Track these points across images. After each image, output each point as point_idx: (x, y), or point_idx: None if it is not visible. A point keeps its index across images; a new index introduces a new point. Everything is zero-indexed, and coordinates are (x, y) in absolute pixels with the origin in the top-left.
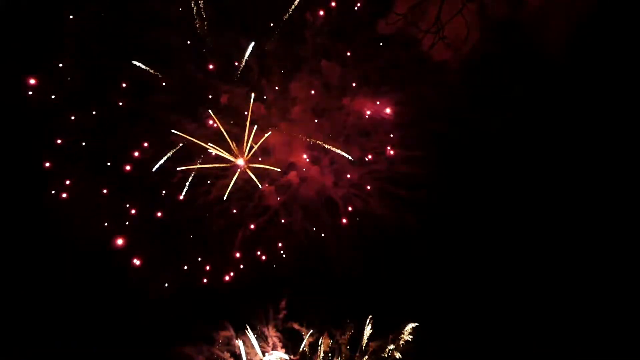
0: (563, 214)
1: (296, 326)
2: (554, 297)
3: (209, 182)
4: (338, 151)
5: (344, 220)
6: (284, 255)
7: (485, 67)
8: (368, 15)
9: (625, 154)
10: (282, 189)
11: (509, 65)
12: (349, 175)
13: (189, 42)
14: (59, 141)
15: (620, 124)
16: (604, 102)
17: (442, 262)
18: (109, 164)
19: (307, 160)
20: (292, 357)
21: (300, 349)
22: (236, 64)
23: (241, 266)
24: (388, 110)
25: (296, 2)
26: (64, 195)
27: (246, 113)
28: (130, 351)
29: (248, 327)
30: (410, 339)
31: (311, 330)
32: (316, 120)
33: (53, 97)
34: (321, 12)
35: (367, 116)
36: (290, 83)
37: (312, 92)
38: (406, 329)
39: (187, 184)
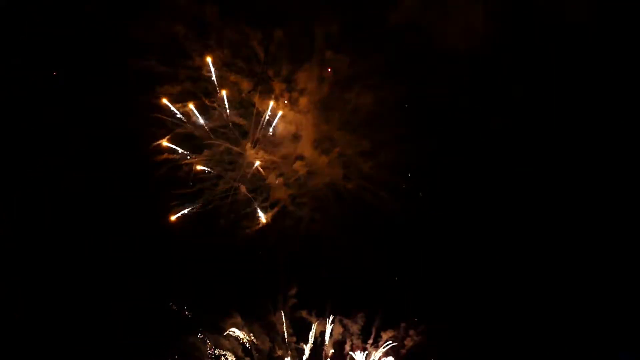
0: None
1: (305, 314)
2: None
3: (215, 175)
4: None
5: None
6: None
7: (495, 57)
8: (378, 6)
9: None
10: (291, 181)
11: (519, 56)
12: (358, 168)
13: (195, 32)
14: None
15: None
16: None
17: (452, 255)
18: None
19: (316, 152)
20: (301, 345)
21: (310, 338)
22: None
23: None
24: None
25: None
26: None
27: (253, 104)
28: (136, 343)
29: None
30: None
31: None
32: (325, 112)
33: None
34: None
35: (376, 108)
36: (298, 74)
37: (321, 83)
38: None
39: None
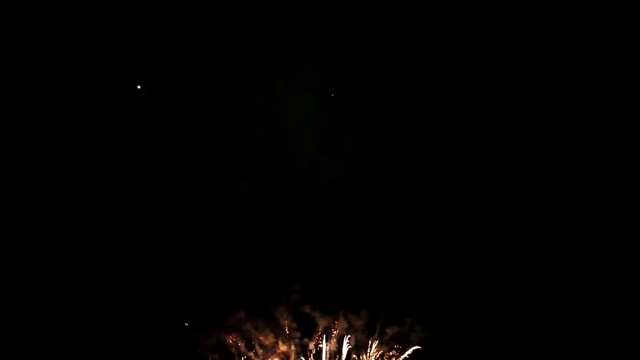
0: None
1: (309, 310)
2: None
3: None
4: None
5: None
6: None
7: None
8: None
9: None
10: (293, 177)
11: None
12: (362, 165)
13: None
14: None
15: None
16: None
17: (457, 251)
18: None
19: (320, 148)
20: (305, 340)
21: (314, 334)
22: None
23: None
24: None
25: None
26: None
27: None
28: (138, 340)
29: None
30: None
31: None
32: (327, 108)
33: None
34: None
35: (379, 106)
36: (300, 71)
37: (324, 79)
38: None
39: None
